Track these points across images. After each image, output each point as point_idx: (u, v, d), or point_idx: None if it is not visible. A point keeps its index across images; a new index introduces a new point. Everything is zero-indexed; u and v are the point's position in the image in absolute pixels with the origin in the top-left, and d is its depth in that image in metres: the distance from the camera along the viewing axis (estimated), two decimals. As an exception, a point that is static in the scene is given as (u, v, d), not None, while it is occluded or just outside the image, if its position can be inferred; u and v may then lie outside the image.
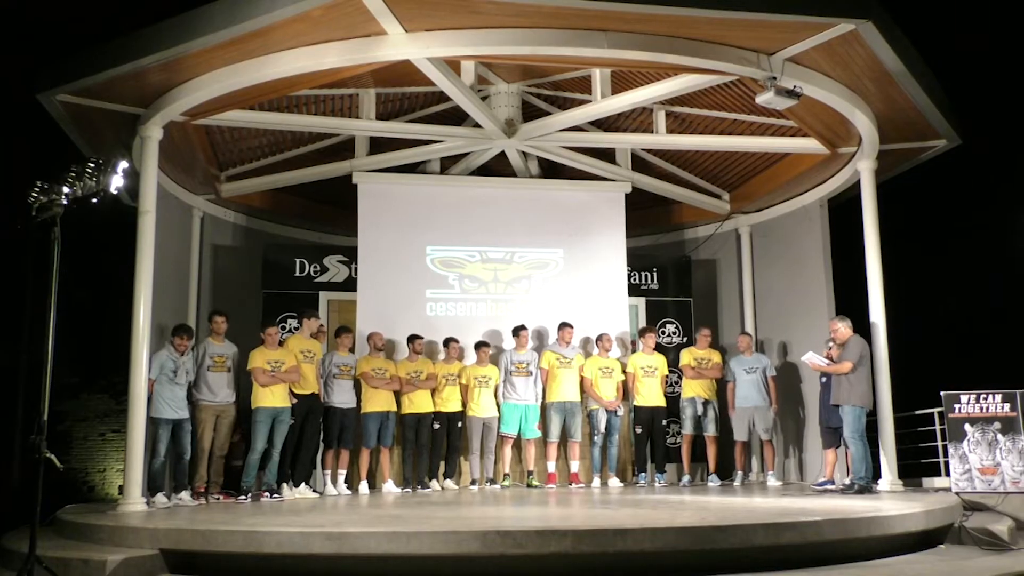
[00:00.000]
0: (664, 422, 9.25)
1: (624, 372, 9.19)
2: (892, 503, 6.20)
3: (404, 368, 8.59)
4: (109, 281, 9.06)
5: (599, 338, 9.20)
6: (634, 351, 9.55)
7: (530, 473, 8.95)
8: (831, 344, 8.19)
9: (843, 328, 7.87)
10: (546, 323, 9.44)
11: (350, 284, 9.50)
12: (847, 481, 7.74)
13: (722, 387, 9.31)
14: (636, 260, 10.24)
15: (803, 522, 5.04)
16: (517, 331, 9.05)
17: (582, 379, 9.06)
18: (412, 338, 8.77)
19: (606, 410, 8.98)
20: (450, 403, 8.73)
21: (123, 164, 4.80)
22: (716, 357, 9.33)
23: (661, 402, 9.12)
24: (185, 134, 8.08)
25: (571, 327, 9.12)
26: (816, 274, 9.56)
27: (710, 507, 6.15)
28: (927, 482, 8.40)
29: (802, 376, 9.49)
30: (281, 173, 9.67)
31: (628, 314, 9.89)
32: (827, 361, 7.99)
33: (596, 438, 8.99)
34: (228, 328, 7.84)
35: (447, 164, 10.01)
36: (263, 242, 10.01)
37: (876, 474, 7.79)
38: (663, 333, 10.19)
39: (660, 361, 9.21)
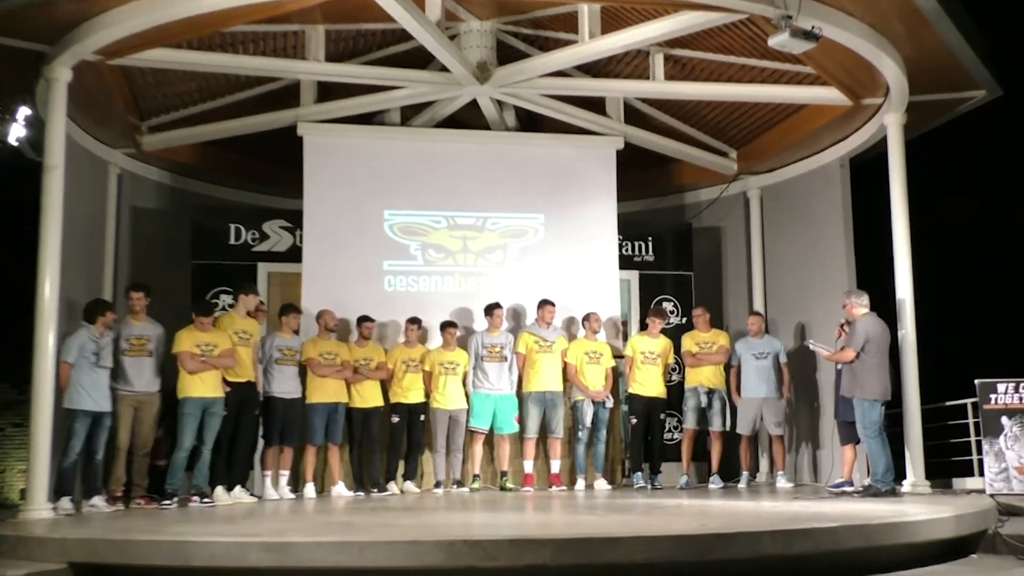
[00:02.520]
0: (662, 416, 9.29)
1: (615, 357, 9.20)
2: (918, 507, 6.28)
3: (352, 355, 8.59)
4: (10, 248, 8.93)
5: (586, 318, 9.22)
6: (625, 335, 9.57)
7: (504, 474, 8.98)
8: (842, 324, 8.24)
9: (851, 304, 7.88)
10: (524, 300, 9.43)
11: (294, 254, 9.45)
12: (866, 482, 7.83)
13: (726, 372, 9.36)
14: (629, 228, 10.24)
15: (817, 529, 5.09)
16: (490, 309, 9.04)
17: (565, 365, 9.08)
18: (361, 320, 8.76)
19: (593, 401, 9.01)
20: (411, 393, 8.73)
21: (24, 111, 4.72)
22: (722, 339, 9.36)
23: (661, 392, 9.14)
24: (100, 76, 7.94)
25: (552, 305, 9.11)
26: (835, 244, 9.62)
27: (711, 512, 6.20)
28: (958, 483, 8.53)
29: (818, 363, 9.54)
30: (214, 124, 9.58)
31: (619, 290, 9.91)
32: (829, 349, 8.04)
33: (581, 434, 9.02)
34: (150, 306, 7.76)
35: (409, 114, 9.94)
36: (192, 204, 9.92)
37: (900, 474, 7.89)
38: (659, 312, 10.21)
39: (665, 347, 9.21)
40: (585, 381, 9.04)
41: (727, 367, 9.29)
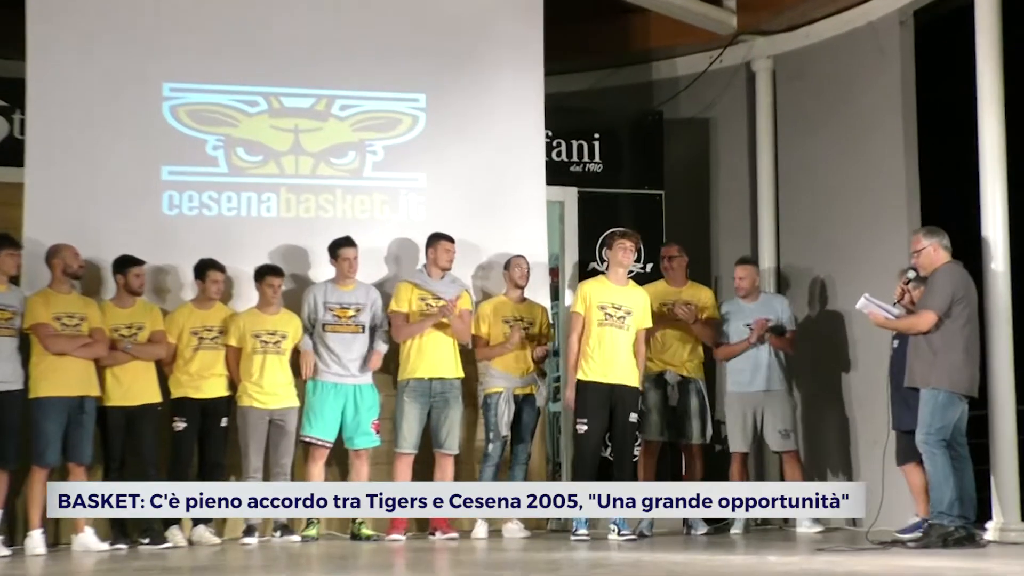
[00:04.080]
0: (634, 417, 8.99)
1: (555, 319, 9.24)
2: (1007, 564, 6.45)
3: (108, 319, 8.53)
4: None
5: (508, 265, 9.28)
6: (555, 289, 9.54)
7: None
8: (910, 277, 8.27)
9: (931, 247, 7.93)
10: (399, 231, 9.51)
11: (11, 151, 9.29)
12: (922, 522, 7.97)
13: (707, 352, 9.50)
14: (564, 118, 10.28)
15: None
16: (337, 248, 8.98)
17: (474, 339, 9.15)
18: (124, 264, 8.66)
19: (514, 395, 9.08)
20: (206, 384, 8.73)
21: None
22: (706, 298, 9.48)
23: (632, 378, 8.88)
24: None
25: (451, 242, 9.09)
26: (890, 150, 9.70)
27: (687, 574, 6.22)
28: (1068, 526, 8.75)
29: (855, 337, 9.70)
30: None
31: (545, 217, 9.95)
32: (894, 311, 8.08)
33: (491, 446, 9.07)
34: None
35: (207, -77, 9.80)
36: None
37: (983, 512, 8.03)
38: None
39: (637, 300, 8.96)
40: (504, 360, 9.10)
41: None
